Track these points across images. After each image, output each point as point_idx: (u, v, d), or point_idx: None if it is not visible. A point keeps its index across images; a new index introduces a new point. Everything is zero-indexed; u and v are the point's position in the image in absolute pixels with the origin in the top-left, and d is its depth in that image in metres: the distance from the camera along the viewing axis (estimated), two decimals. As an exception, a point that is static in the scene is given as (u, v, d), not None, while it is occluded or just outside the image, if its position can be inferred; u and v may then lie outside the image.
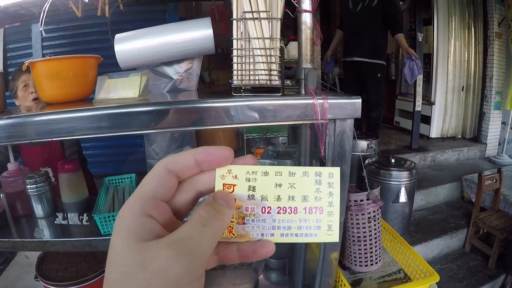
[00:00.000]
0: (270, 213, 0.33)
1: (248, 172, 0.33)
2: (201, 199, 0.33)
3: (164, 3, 2.67)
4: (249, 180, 0.33)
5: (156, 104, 0.79)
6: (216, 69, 3.83)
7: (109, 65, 1.09)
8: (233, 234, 0.33)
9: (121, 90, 0.94)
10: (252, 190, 0.33)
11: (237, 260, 0.33)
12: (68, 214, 1.04)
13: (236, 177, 0.33)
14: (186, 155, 0.31)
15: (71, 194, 1.13)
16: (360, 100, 0.89)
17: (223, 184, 0.32)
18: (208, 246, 0.28)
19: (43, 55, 2.69)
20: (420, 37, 3.51)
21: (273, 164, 1.15)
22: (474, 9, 4.02)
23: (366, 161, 2.45)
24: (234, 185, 0.33)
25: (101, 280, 1.20)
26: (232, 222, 0.32)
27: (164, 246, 0.25)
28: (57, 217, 1.05)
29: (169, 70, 1.12)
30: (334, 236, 0.34)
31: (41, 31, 1.47)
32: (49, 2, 1.70)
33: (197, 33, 1.03)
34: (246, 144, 2.27)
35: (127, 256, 0.25)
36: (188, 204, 0.32)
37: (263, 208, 0.33)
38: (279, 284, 1.44)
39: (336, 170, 0.34)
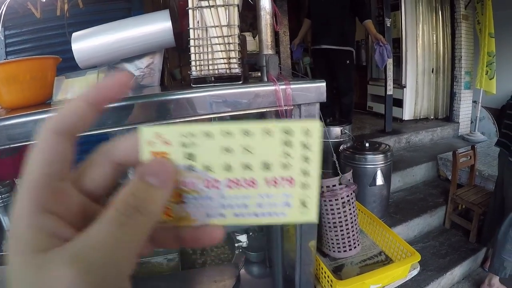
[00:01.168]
0: (218, 188, 0.25)
1: (183, 134, 0.24)
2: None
3: (128, 0, 2.60)
4: (186, 146, 0.24)
5: (112, 100, 0.76)
6: (186, 65, 3.75)
7: (74, 68, 1.05)
8: (170, 217, 0.25)
9: (78, 89, 0.91)
10: (191, 159, 0.24)
11: (175, 246, 0.26)
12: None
13: (167, 143, 0.24)
14: (73, 103, 0.22)
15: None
16: (324, 84, 0.89)
17: (152, 152, 0.23)
18: (128, 252, 0.20)
19: (6, 61, 2.58)
20: (388, 22, 3.56)
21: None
22: (441, -8, 4.11)
23: (341, 147, 2.48)
24: (166, 154, 0.24)
25: None
26: (168, 201, 0.24)
27: (65, 262, 0.18)
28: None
29: (130, 67, 1.09)
30: (310, 215, 0.25)
31: (0, 33, 1.40)
32: (6, 5, 1.63)
33: (156, 26, 1.00)
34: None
35: (23, 279, 0.19)
36: (107, 182, 0.24)
37: (207, 182, 0.24)
38: (261, 277, 1.43)
39: (315, 126, 0.24)
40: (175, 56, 3.18)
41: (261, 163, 0.24)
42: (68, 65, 1.04)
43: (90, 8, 2.30)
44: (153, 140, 0.23)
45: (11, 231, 0.20)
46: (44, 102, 0.99)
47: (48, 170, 0.21)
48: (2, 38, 2.22)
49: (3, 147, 0.78)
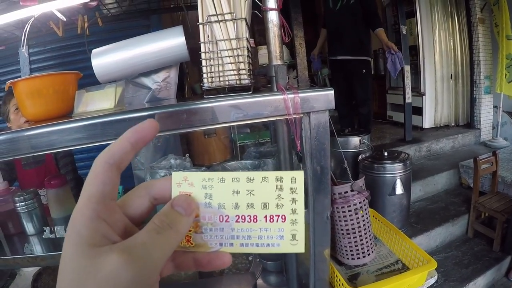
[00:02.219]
0: (228, 221, 0.32)
1: (204, 179, 0.31)
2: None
3: (147, 18, 2.70)
4: (205, 188, 0.32)
5: (128, 112, 0.81)
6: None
7: (94, 83, 1.11)
8: (191, 244, 0.32)
9: (98, 102, 0.96)
10: (209, 198, 0.32)
11: (193, 269, 0.33)
12: (56, 227, 1.06)
13: (192, 185, 0.32)
14: (120, 143, 0.30)
15: (59, 209, 1.15)
16: (332, 92, 0.90)
17: (179, 192, 0.31)
18: (161, 254, 0.27)
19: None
20: (404, 30, 3.55)
21: (254, 164, 1.16)
22: (456, -3, 4.07)
23: (359, 157, 2.47)
24: (191, 193, 0.32)
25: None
26: (190, 231, 0.31)
27: (116, 251, 0.25)
28: (45, 231, 1.06)
29: (147, 81, 1.14)
30: (299, 247, 0.32)
31: (23, 51, 1.49)
32: (30, 24, 1.74)
33: (170, 42, 1.05)
34: (239, 151, 2.29)
35: (78, 262, 0.24)
36: (144, 211, 0.31)
37: (221, 217, 0.32)
38: (278, 286, 1.42)
39: (299, 174, 0.32)
40: (195, 72, 3.26)
41: (261, 203, 0.32)
42: (89, 82, 1.10)
43: (109, 26, 2.41)
44: (181, 182, 0.31)
45: (70, 228, 0.26)
46: (66, 115, 1.05)
47: (102, 189, 0.28)
48: (27, 55, 2.35)
49: (27, 156, 0.83)
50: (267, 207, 0.32)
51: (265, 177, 0.32)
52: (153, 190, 0.32)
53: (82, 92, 1.02)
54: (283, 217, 0.32)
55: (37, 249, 1.08)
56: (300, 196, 0.32)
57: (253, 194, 0.32)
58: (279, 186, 0.32)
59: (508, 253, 2.44)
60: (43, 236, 1.08)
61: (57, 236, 1.06)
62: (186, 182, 0.31)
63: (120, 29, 2.54)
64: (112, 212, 0.28)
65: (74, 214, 0.27)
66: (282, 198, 0.32)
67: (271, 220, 0.32)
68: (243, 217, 0.32)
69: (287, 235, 0.32)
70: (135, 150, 0.30)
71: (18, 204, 1.12)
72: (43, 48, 2.67)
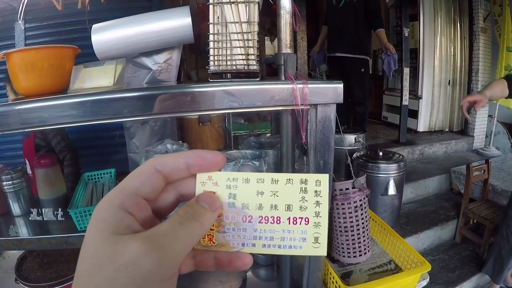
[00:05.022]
0: (251, 222, 0.32)
1: (228, 178, 0.31)
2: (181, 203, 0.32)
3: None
4: (229, 187, 0.31)
5: (128, 91, 0.77)
6: (203, 68, 3.79)
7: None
8: (214, 243, 0.32)
9: (96, 79, 0.91)
10: (233, 198, 0.32)
11: (213, 268, 0.32)
12: (43, 209, 1.01)
13: (216, 184, 0.31)
14: (176, 157, 0.30)
15: (48, 190, 1.10)
16: (341, 85, 0.88)
17: (204, 191, 0.31)
18: (183, 246, 0.27)
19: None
20: (406, 32, 3.54)
21: (254, 154, 1.13)
22: (460, 5, 4.08)
23: (354, 155, 2.46)
24: (215, 192, 0.32)
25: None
26: (212, 230, 0.31)
27: (137, 239, 0.25)
28: (32, 213, 1.01)
29: (148, 61, 1.09)
30: (321, 249, 0.31)
31: (20, 24, 1.42)
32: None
33: (176, 22, 1.01)
34: (233, 142, 2.25)
35: (100, 248, 0.25)
36: (169, 205, 0.32)
37: (244, 217, 0.32)
38: (268, 280, 1.41)
39: (324, 177, 0.32)
40: (192, 58, 3.21)
41: (285, 205, 0.32)
42: (86, 60, 1.05)
43: (111, 5, 2.34)
44: (206, 181, 0.31)
45: (97, 214, 0.27)
46: (61, 91, 1.00)
47: (138, 187, 0.29)
48: (23, 28, 2.26)
49: (16, 131, 0.79)
50: (290, 209, 0.32)
51: (289, 179, 0.31)
52: (180, 187, 0.32)
53: (80, 67, 0.97)
54: (307, 219, 0.31)
55: (23, 231, 1.03)
56: (325, 199, 0.31)
57: (277, 196, 0.31)
58: (303, 189, 0.31)
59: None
60: (30, 218, 1.03)
61: (45, 219, 1.01)
62: (211, 181, 0.31)
63: (120, 9, 2.47)
64: (141, 209, 0.28)
65: (102, 201, 0.27)
66: (306, 201, 0.31)
67: (294, 222, 0.31)
68: (266, 218, 0.32)
69: (310, 238, 0.31)
70: (188, 172, 0.31)
71: (4, 183, 1.07)
72: (40, 24, 2.58)
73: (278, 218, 0.31)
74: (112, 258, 0.24)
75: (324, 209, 0.31)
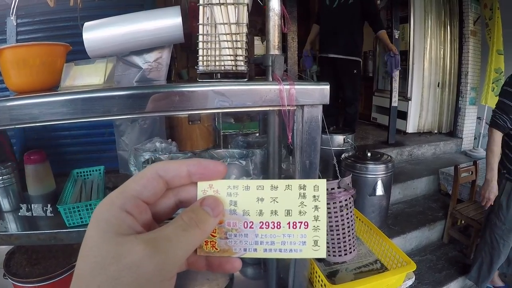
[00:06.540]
0: (253, 228, 0.33)
1: (229, 186, 0.32)
2: (180, 210, 0.33)
3: (141, -2, 2.63)
4: (230, 195, 0.32)
5: (118, 90, 0.78)
6: (194, 66, 3.79)
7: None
8: (216, 249, 0.33)
9: (86, 77, 0.92)
10: (234, 205, 0.33)
11: (204, 269, 0.34)
12: (32, 205, 1.02)
13: (217, 192, 0.32)
14: (179, 164, 0.31)
15: (38, 186, 1.10)
16: (328, 87, 0.89)
17: None
18: (184, 250, 0.28)
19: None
20: (396, 34, 3.58)
21: (242, 154, 1.14)
22: (450, 7, 4.13)
23: (342, 155, 2.48)
24: None
25: (69, 277, 1.17)
26: (214, 236, 0.32)
27: (141, 242, 0.26)
28: (21, 208, 1.02)
29: (138, 60, 1.10)
30: (321, 252, 0.33)
31: (12, 19, 1.42)
32: (19, -10, 1.65)
33: (166, 21, 1.02)
34: (222, 141, 2.27)
35: (103, 248, 0.25)
36: (168, 210, 0.32)
37: (245, 223, 0.33)
38: (255, 279, 1.43)
39: (322, 183, 0.33)
40: (184, 57, 3.21)
41: (284, 210, 0.33)
42: (77, 58, 1.05)
43: (103, 2, 2.33)
44: (207, 189, 0.32)
45: (98, 214, 0.27)
46: (52, 88, 1.00)
47: (140, 190, 0.29)
48: (15, 24, 2.24)
49: (7, 128, 0.79)
50: (290, 214, 0.33)
51: (288, 185, 0.33)
52: (180, 193, 0.33)
53: (71, 65, 0.97)
54: (306, 223, 0.33)
55: (12, 226, 1.04)
56: (323, 203, 0.33)
57: (277, 202, 0.33)
58: (302, 194, 0.33)
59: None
60: (19, 214, 1.03)
61: (34, 215, 1.02)
62: (212, 190, 0.32)
63: (112, 6, 2.47)
64: (141, 212, 0.29)
65: (103, 202, 0.28)
66: (305, 206, 0.33)
67: (294, 226, 0.33)
68: (267, 224, 0.33)
69: (310, 241, 0.33)
70: (189, 179, 0.32)
71: (-6, 178, 1.07)
72: (32, 20, 2.56)
73: (279, 223, 0.33)
74: (116, 258, 0.24)
75: (323, 213, 0.33)
